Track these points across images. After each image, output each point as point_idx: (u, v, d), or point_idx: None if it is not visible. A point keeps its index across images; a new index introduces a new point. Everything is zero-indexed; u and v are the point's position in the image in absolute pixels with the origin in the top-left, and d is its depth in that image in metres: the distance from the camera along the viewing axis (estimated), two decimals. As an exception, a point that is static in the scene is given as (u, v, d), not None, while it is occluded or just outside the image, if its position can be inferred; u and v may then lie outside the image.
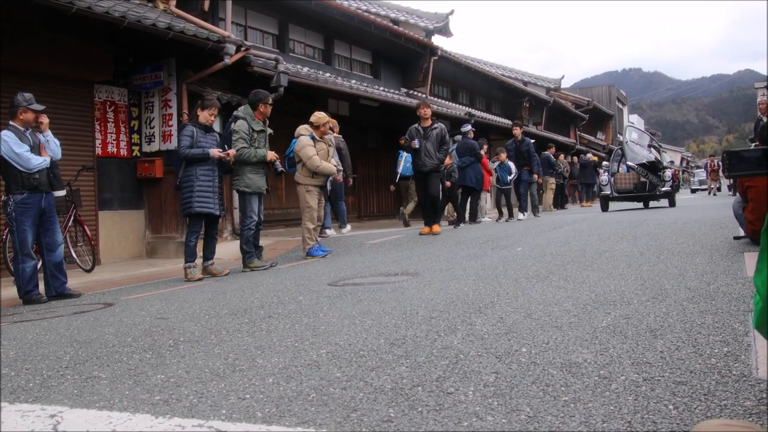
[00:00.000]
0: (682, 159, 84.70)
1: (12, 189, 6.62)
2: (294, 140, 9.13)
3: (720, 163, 26.84)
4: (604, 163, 26.50)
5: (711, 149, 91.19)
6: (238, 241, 8.87)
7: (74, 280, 7.65)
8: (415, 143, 10.81)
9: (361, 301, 5.08)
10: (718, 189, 31.72)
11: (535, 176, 16.08)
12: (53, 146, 6.96)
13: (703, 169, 42.31)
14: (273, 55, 12.54)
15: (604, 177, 18.66)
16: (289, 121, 10.81)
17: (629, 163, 17.70)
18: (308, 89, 13.48)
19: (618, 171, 18.84)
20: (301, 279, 6.81)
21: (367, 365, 3.18)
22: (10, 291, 7.09)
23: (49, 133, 6.99)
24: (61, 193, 7.59)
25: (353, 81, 16.80)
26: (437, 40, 21.70)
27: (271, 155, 8.35)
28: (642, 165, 17.39)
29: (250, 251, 8.18)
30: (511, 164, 15.35)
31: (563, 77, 37.02)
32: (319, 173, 8.97)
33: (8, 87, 8.17)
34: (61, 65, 9.50)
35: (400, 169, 14.41)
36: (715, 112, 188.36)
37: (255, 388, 2.97)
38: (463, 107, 23.80)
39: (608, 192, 17.88)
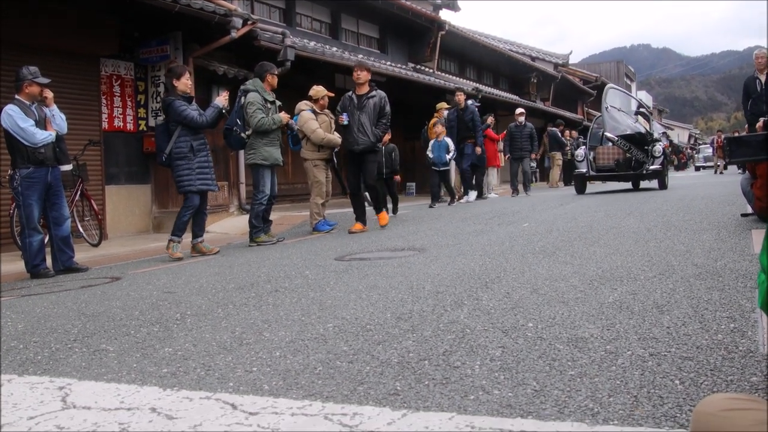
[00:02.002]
0: (690, 136, 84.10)
1: (18, 163, 6.62)
2: (296, 117, 9.11)
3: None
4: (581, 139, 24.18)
5: (719, 126, 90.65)
6: (244, 216, 8.86)
7: (81, 254, 7.67)
8: (343, 118, 8.68)
9: (368, 275, 5.09)
10: (725, 167, 29.25)
11: (477, 149, 13.89)
12: (59, 120, 6.95)
13: (709, 145, 40.95)
14: (280, 29, 12.46)
15: (580, 151, 14.90)
16: (295, 96, 10.75)
17: (608, 134, 13.97)
18: (315, 64, 13.40)
19: (600, 144, 15.04)
20: (308, 254, 6.82)
21: (373, 339, 3.19)
22: (18, 265, 7.12)
23: (54, 107, 6.96)
24: (68, 167, 7.58)
25: (360, 55, 16.69)
26: (445, 15, 21.58)
27: (285, 117, 8.38)
28: (624, 137, 13.87)
29: (259, 226, 8.16)
30: (449, 141, 13.05)
31: (571, 53, 36.71)
32: (324, 146, 8.96)
33: (15, 61, 8.12)
34: (67, 39, 9.45)
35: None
36: (723, 89, 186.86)
37: (262, 361, 2.98)
38: (471, 82, 23.67)
39: (584, 170, 14.38)
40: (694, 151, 51.81)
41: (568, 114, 31.61)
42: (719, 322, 3.06)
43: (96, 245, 8.90)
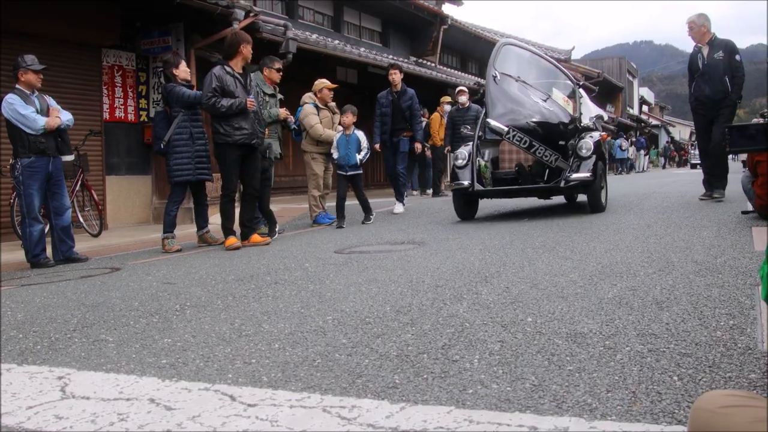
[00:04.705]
0: (692, 133, 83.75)
1: (19, 153, 6.61)
2: (299, 108, 9.11)
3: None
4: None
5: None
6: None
7: (81, 244, 7.67)
8: (252, 101, 7.11)
9: (368, 268, 5.09)
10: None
11: (417, 145, 10.45)
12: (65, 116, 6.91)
13: None
14: (282, 22, 12.45)
15: (462, 151, 8.71)
16: (297, 88, 10.74)
17: (492, 121, 7.78)
18: (317, 56, 13.39)
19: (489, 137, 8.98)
20: (308, 246, 6.82)
21: (372, 332, 3.19)
22: (18, 254, 7.12)
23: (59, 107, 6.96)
24: (69, 157, 7.55)
25: (362, 49, 16.67)
26: (447, 9, 21.58)
27: (283, 112, 8.33)
28: (523, 129, 7.84)
29: (257, 217, 8.14)
30: (361, 135, 8.92)
31: (573, 48, 36.71)
32: (322, 141, 8.96)
33: (17, 50, 8.10)
34: (68, 29, 9.43)
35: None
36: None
37: (261, 353, 2.98)
38: (473, 77, 23.64)
39: (466, 182, 8.32)
40: (691, 146, 50.79)
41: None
42: (718, 318, 3.06)
43: (96, 235, 8.91)
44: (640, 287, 3.81)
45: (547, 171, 8.29)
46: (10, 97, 6.58)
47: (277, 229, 8.09)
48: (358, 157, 8.84)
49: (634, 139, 38.97)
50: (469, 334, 3.04)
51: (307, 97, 9.17)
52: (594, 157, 8.08)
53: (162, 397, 2.48)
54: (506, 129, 7.72)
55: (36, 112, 6.63)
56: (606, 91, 43.09)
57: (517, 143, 7.87)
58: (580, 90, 9.19)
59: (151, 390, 2.58)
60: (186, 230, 8.56)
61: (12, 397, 2.58)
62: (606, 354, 2.65)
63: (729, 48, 8.44)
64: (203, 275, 5.34)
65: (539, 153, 7.93)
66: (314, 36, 14.64)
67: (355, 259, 5.65)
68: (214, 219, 7.79)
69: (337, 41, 15.84)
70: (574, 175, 7.98)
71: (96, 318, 3.95)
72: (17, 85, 6.67)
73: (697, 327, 2.95)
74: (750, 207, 6.86)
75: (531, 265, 4.80)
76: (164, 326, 3.63)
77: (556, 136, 8.24)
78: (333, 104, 9.29)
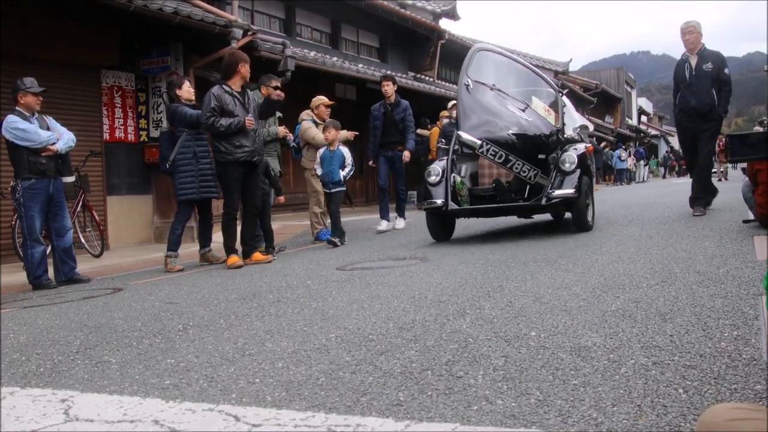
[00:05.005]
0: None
1: (20, 174, 6.63)
2: (297, 126, 9.17)
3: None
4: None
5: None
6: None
7: (83, 265, 7.67)
8: (251, 120, 7.09)
9: (370, 285, 5.09)
10: (725, 176, 26.07)
11: (406, 154, 9.65)
12: (65, 140, 6.92)
13: None
14: (280, 40, 12.51)
15: (433, 168, 7.98)
16: (296, 106, 10.77)
17: (464, 134, 7.46)
18: (315, 74, 13.43)
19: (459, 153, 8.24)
20: (310, 263, 6.82)
21: (376, 349, 3.19)
22: (20, 276, 7.12)
23: (59, 126, 6.99)
24: (70, 178, 7.58)
25: (360, 65, 16.73)
26: (444, 24, 21.64)
27: (282, 131, 8.37)
28: (498, 142, 7.36)
29: (258, 235, 8.15)
30: (345, 151, 8.70)
31: (571, 60, 36.84)
32: None
33: (16, 73, 8.12)
34: (67, 50, 9.47)
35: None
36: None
37: (265, 372, 2.98)
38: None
39: (440, 200, 7.67)
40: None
41: (568, 121, 31.60)
42: (722, 329, 3.05)
43: (98, 256, 8.90)
44: (644, 299, 3.80)
45: (528, 187, 7.60)
46: (10, 118, 6.60)
47: (276, 248, 8.09)
48: (342, 173, 8.60)
49: (633, 150, 39.03)
50: (472, 350, 3.04)
51: (305, 114, 9.28)
52: (578, 171, 7.43)
53: (166, 419, 2.48)
54: (479, 142, 7.27)
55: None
56: (605, 102, 43.25)
57: (491, 158, 7.31)
58: (563, 98, 8.54)
59: (155, 411, 2.57)
60: (188, 249, 8.55)
61: (16, 420, 2.57)
62: (611, 367, 2.65)
63: (719, 60, 8.15)
64: (206, 294, 5.33)
65: (516, 168, 7.34)
66: (312, 53, 14.70)
67: (358, 276, 5.64)
68: (216, 237, 7.79)
69: (335, 58, 15.90)
70: (557, 192, 7.33)
71: (99, 339, 3.95)
72: (17, 107, 6.70)
73: (701, 338, 2.94)
74: (751, 216, 6.87)
75: (533, 278, 4.79)
76: (167, 347, 3.62)
77: (535, 149, 7.65)
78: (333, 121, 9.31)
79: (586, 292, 4.14)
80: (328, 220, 9.31)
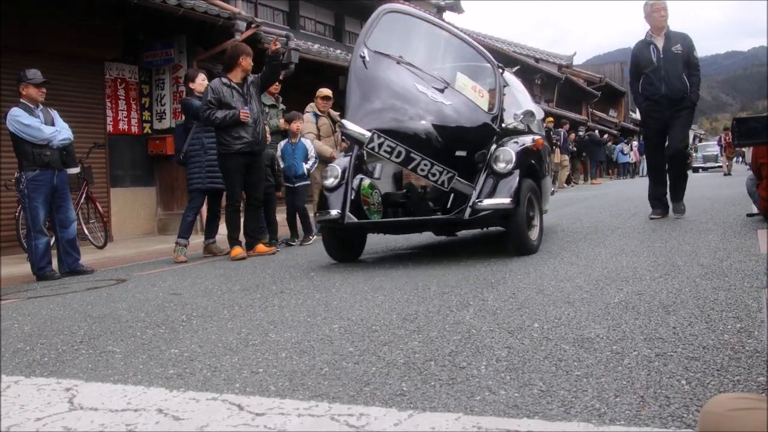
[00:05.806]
0: (695, 137, 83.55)
1: (24, 166, 6.64)
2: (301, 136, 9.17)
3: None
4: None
5: (724, 126, 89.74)
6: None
7: (87, 256, 7.68)
8: (246, 112, 6.94)
9: (373, 276, 5.09)
10: (729, 170, 24.85)
11: None
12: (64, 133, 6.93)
13: (716, 144, 35.96)
14: (284, 32, 12.48)
15: (332, 169, 6.24)
16: (300, 98, 10.76)
17: (350, 125, 5.37)
18: (319, 66, 13.41)
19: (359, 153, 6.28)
20: (313, 255, 6.82)
21: (379, 340, 3.19)
22: (24, 267, 7.14)
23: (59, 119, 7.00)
24: (74, 170, 7.61)
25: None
26: (448, 17, 21.58)
27: (283, 123, 8.40)
28: (397, 135, 5.41)
29: (262, 227, 8.16)
30: (308, 143, 8.35)
31: (575, 54, 36.68)
32: (322, 152, 8.95)
33: (19, 65, 8.13)
34: (71, 43, 9.48)
35: None
36: (728, 90, 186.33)
37: (268, 362, 2.98)
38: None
39: (335, 211, 5.87)
40: (693, 150, 49.79)
41: (572, 114, 31.58)
42: (725, 322, 3.05)
43: (101, 247, 8.92)
44: (647, 291, 3.80)
45: (453, 195, 5.73)
46: (15, 110, 6.61)
47: (279, 240, 8.10)
48: (306, 166, 8.17)
49: (636, 143, 38.92)
50: (476, 341, 3.04)
51: (309, 106, 9.29)
52: (516, 173, 5.59)
53: (170, 408, 2.48)
54: (368, 134, 5.31)
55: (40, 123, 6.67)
56: (608, 96, 43.13)
57: (386, 156, 5.37)
58: (504, 76, 6.55)
59: (158, 401, 2.58)
60: (192, 240, 8.56)
61: (20, 409, 2.58)
62: (613, 359, 2.65)
63: (688, 42, 7.39)
64: (209, 285, 5.34)
65: (423, 169, 5.42)
66: (316, 46, 14.68)
67: (361, 268, 5.65)
68: (222, 229, 7.82)
69: (339, 50, 15.88)
70: (486, 201, 5.52)
71: (103, 329, 3.96)
72: (21, 99, 6.71)
73: (704, 330, 2.94)
74: (755, 209, 6.86)
75: (536, 270, 4.80)
76: (171, 337, 3.63)
77: (456, 143, 5.67)
78: (336, 113, 9.30)
79: (590, 284, 4.14)
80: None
